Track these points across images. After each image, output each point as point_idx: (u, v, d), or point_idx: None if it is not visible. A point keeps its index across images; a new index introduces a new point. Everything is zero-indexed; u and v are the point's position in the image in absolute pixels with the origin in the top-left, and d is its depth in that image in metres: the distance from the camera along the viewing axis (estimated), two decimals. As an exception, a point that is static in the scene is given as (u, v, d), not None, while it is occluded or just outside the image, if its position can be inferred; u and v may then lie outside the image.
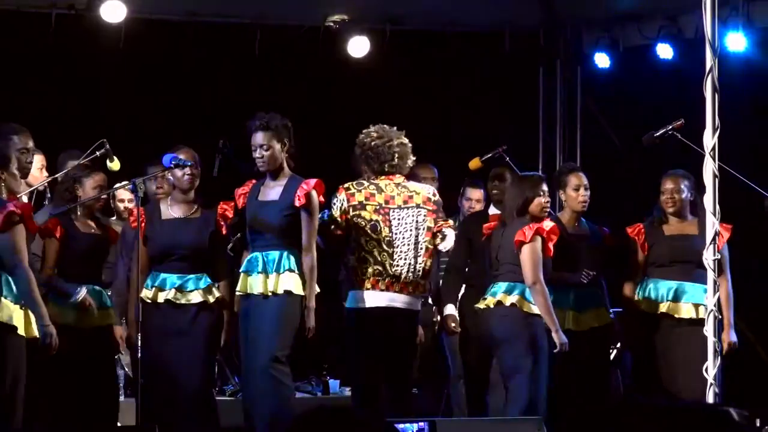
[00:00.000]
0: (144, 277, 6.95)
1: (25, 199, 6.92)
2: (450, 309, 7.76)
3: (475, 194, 8.40)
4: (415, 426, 5.19)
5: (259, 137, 6.88)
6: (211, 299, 6.94)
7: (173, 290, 6.91)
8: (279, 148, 6.89)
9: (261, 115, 6.92)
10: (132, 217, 7.05)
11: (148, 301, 6.90)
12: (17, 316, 6.13)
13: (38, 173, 7.30)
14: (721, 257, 7.24)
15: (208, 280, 6.96)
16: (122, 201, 8.00)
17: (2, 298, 6.11)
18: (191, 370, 6.85)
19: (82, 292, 6.87)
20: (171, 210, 7.07)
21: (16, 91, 9.13)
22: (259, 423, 6.80)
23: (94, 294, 6.97)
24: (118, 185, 7.33)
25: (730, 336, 7.35)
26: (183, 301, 6.91)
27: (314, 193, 6.84)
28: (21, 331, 6.15)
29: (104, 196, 7.20)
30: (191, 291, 6.92)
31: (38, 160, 7.28)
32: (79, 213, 7.06)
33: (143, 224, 6.89)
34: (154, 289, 6.93)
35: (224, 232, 7.07)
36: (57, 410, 6.84)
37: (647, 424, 2.48)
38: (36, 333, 6.18)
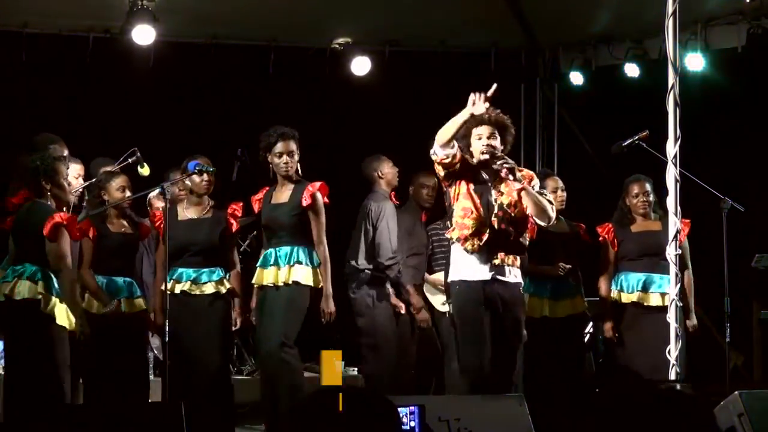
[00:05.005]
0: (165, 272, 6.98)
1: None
2: None
3: None
4: (407, 409, 5.13)
5: (291, 144, 6.87)
6: (223, 290, 6.88)
7: (188, 282, 6.88)
8: (298, 155, 6.92)
9: (280, 126, 6.91)
10: (155, 220, 7.06)
11: (168, 292, 6.91)
12: (59, 310, 6.17)
13: (75, 181, 7.27)
14: (684, 250, 7.26)
15: (221, 273, 6.90)
16: (154, 205, 7.95)
17: (50, 295, 6.15)
18: (207, 354, 6.79)
19: (113, 305, 6.86)
20: (186, 211, 7.05)
21: (57, 104, 9.15)
22: (270, 402, 6.81)
23: (125, 285, 6.96)
24: (149, 189, 7.30)
25: (693, 320, 7.36)
26: (197, 292, 6.87)
27: (319, 194, 6.84)
28: (61, 323, 6.19)
29: (131, 197, 7.06)
30: (205, 283, 6.87)
31: (75, 169, 7.26)
32: (110, 214, 7.05)
33: (163, 225, 6.93)
34: (172, 281, 6.91)
35: (233, 229, 6.99)
36: (93, 387, 6.86)
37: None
38: (73, 327, 6.22)
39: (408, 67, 10.04)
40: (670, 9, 6.35)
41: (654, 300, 7.45)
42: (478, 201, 6.27)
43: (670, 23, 6.37)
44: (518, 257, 6.37)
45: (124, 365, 6.84)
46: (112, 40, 9.15)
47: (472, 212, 6.26)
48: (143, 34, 8.72)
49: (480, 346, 6.19)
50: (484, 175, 6.35)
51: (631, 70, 9.70)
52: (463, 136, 6.34)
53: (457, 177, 6.31)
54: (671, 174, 6.40)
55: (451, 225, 6.36)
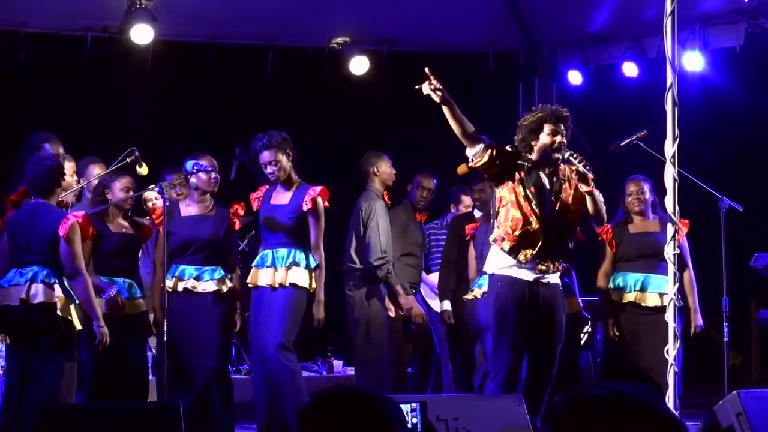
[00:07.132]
0: (166, 269, 6.95)
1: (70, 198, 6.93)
2: (446, 305, 7.78)
3: (467, 200, 8.44)
4: (408, 406, 5.14)
5: (266, 155, 6.89)
6: (225, 289, 6.90)
7: (191, 280, 6.89)
8: (285, 160, 6.90)
9: (261, 135, 6.91)
10: (155, 216, 7.04)
11: (169, 290, 6.88)
12: (75, 313, 6.18)
13: (69, 178, 7.24)
14: (682, 250, 7.26)
15: (222, 272, 6.92)
16: (150, 200, 7.91)
17: (66, 298, 6.13)
18: (208, 351, 6.81)
19: (113, 290, 6.77)
20: (189, 208, 7.06)
21: (55, 104, 9.13)
22: (265, 403, 6.80)
23: (125, 286, 6.92)
24: (146, 189, 7.28)
25: (697, 320, 7.37)
26: (199, 290, 6.87)
27: (320, 199, 6.86)
28: (78, 326, 6.19)
29: (133, 197, 7.05)
30: (207, 281, 6.89)
31: (69, 167, 7.24)
32: (111, 213, 7.02)
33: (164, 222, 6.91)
34: (174, 279, 6.90)
35: (237, 227, 7.05)
36: (94, 389, 6.82)
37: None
38: (79, 326, 6.22)
39: (406, 67, 10.01)
40: (668, 8, 6.33)
41: (651, 300, 7.44)
42: (530, 209, 6.16)
43: (668, 22, 6.35)
44: (563, 262, 6.33)
45: (124, 367, 6.81)
46: (111, 40, 9.14)
47: (522, 223, 6.15)
48: (142, 34, 8.71)
49: (517, 345, 6.17)
50: (543, 177, 6.30)
51: (630, 69, 9.69)
52: (532, 130, 6.28)
53: (506, 178, 6.21)
54: (669, 173, 6.37)
55: (497, 228, 6.27)
